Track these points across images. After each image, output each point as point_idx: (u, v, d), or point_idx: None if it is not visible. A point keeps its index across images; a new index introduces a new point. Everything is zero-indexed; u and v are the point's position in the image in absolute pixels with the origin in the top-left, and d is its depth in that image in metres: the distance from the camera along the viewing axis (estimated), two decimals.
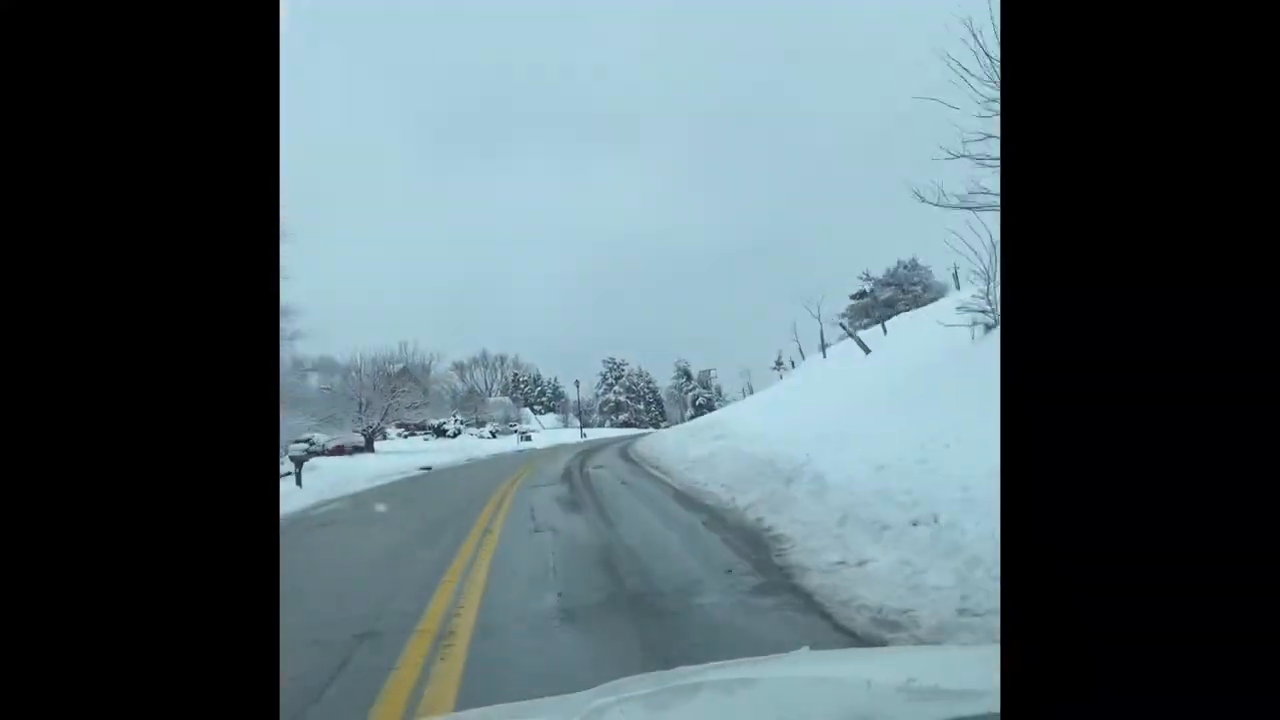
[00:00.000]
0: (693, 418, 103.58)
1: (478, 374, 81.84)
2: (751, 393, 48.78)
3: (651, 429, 70.42)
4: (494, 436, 46.81)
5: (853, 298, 68.19)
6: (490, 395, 74.52)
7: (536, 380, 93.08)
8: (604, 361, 75.31)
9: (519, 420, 66.62)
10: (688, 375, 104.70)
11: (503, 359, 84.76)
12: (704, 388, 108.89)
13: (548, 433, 57.38)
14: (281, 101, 1.06)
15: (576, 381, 54.29)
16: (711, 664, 1.68)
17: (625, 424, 72.27)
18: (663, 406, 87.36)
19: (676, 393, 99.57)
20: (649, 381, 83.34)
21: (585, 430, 55.59)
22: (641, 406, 76.10)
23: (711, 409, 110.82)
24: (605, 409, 74.63)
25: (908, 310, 63.41)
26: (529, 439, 45.23)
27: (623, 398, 73.28)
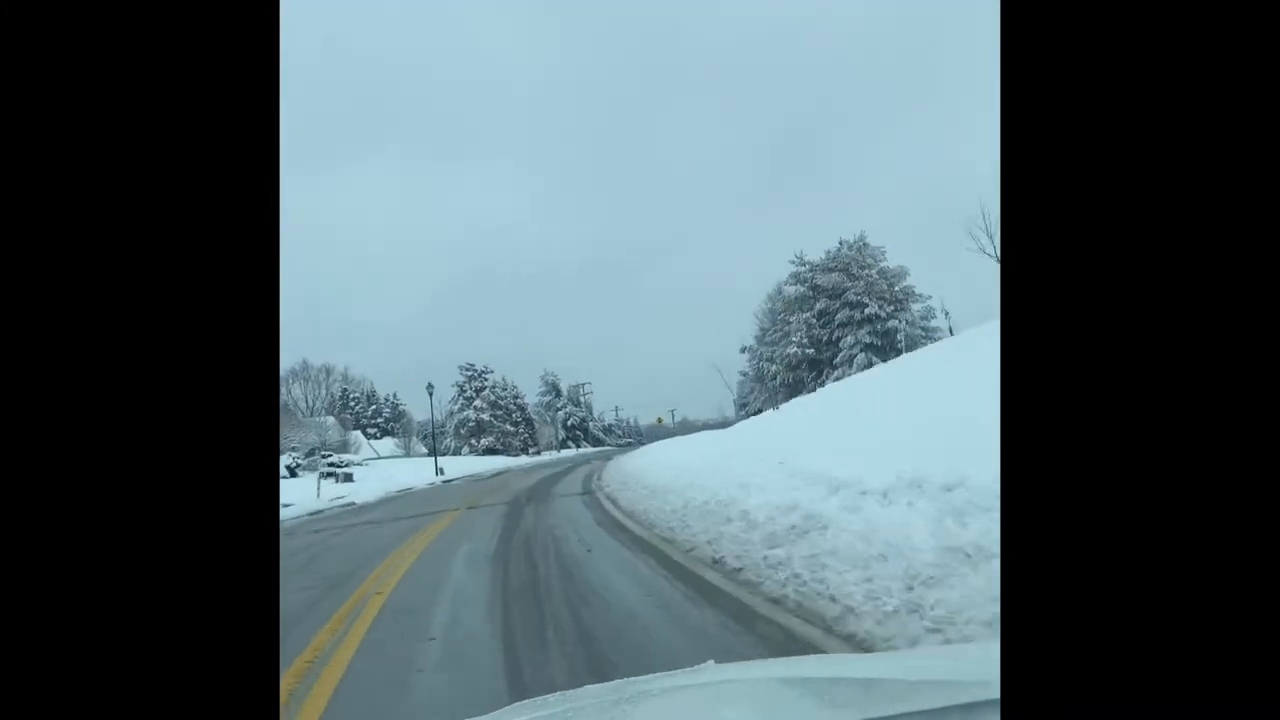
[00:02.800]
0: (566, 441, 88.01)
1: (296, 389, 62.90)
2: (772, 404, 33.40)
3: (526, 456, 54.15)
4: (292, 474, 29.17)
5: (788, 283, 54.44)
6: (309, 415, 55.84)
7: (371, 397, 74.45)
8: (461, 369, 57.51)
9: (347, 446, 48.77)
10: (557, 390, 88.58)
11: (328, 370, 66.04)
12: (575, 405, 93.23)
13: (383, 467, 39.55)
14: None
15: (429, 386, 35.94)
16: (617, 681, 1.72)
17: (491, 450, 55.05)
18: (533, 427, 70.72)
19: (544, 411, 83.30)
20: (517, 396, 66.50)
21: (441, 463, 38.06)
22: (510, 427, 58.98)
23: (585, 430, 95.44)
24: (463, 430, 56.91)
25: (858, 298, 49.85)
26: (348, 479, 27.94)
27: (486, 415, 55.94)
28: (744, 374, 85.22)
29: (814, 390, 48.70)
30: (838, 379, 47.85)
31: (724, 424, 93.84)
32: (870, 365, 47.61)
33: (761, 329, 66.19)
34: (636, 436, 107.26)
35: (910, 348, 47.21)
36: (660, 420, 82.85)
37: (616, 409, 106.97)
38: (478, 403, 55.51)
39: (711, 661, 1.80)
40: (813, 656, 3.02)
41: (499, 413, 57.78)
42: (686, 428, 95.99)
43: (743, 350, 62.98)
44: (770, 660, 2.27)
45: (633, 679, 1.72)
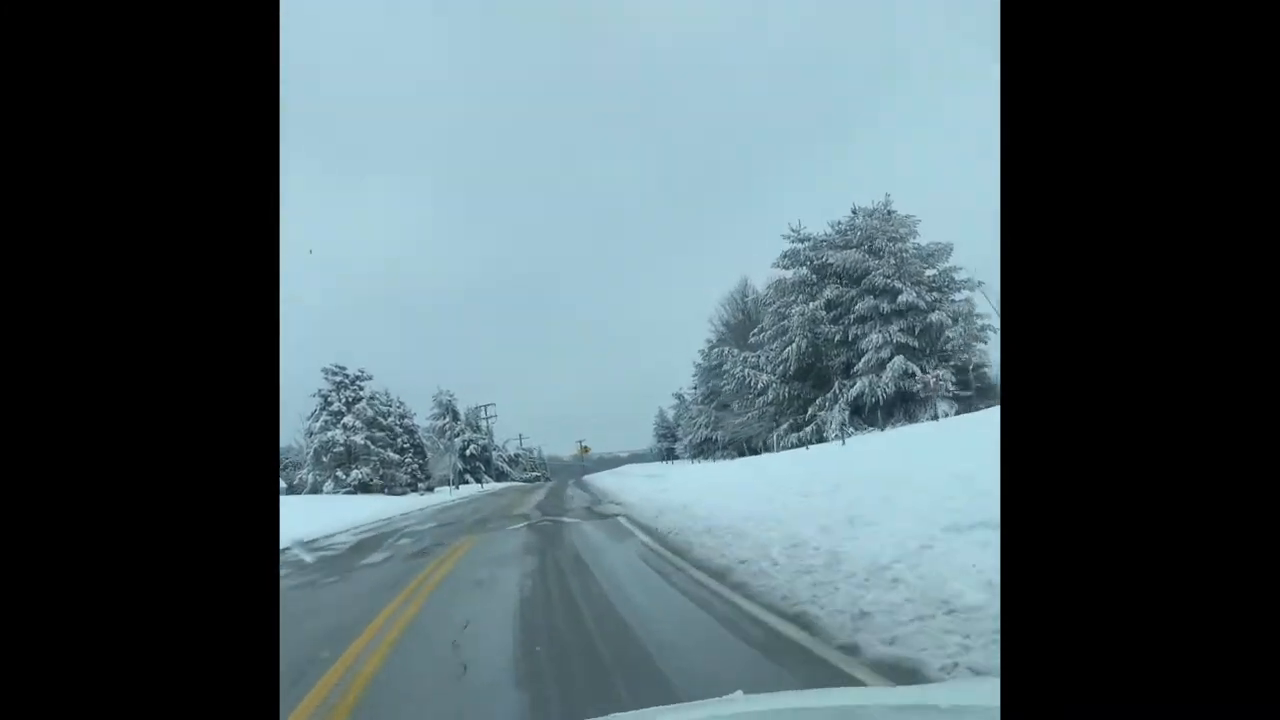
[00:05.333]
0: (464, 474, 71.72)
1: None
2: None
3: (415, 494, 37.53)
4: None
5: (780, 264, 40.88)
6: None
7: None
8: (327, 373, 41.13)
9: None
10: (454, 413, 72.83)
11: None
12: (475, 430, 77.54)
13: None
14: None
15: None
16: (649, 709, 1.69)
17: (365, 486, 39.14)
18: (424, 456, 54.88)
19: (437, 437, 67.47)
20: (404, 416, 50.68)
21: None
22: (394, 455, 43.05)
23: (487, 460, 79.59)
24: (326, 458, 40.66)
25: (886, 281, 36.11)
26: None
27: (360, 437, 39.99)
28: (679, 398, 71.88)
29: (820, 413, 36.09)
30: (858, 393, 35.01)
31: (643, 457, 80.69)
32: (910, 374, 34.93)
33: (717, 336, 52.81)
34: (543, 469, 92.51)
35: (963, 350, 34.98)
36: (586, 450, 68.56)
37: (521, 437, 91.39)
38: (348, 419, 39.64)
39: (740, 692, 1.80)
40: (841, 689, 3.08)
41: (379, 434, 41.95)
42: (599, 462, 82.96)
43: (710, 348, 49.28)
44: (799, 692, 2.21)
45: (661, 708, 1.73)
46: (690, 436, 57.75)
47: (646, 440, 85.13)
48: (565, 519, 14.15)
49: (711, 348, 53.01)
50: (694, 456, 54.85)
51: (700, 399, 56.66)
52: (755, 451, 41.37)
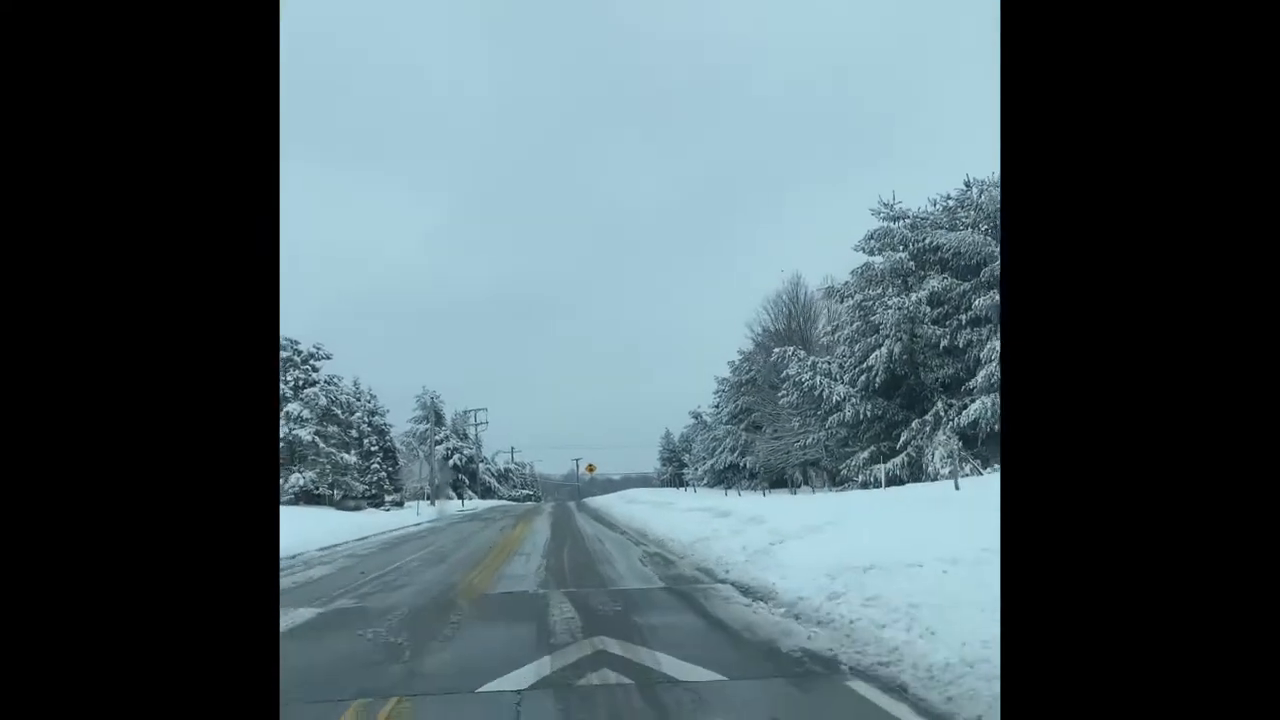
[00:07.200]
0: (453, 487, 62.12)
1: None
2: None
3: (381, 511, 28.03)
4: None
5: (864, 247, 32.19)
6: None
7: None
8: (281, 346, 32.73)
9: None
10: (438, 416, 63.84)
11: None
12: (461, 438, 68.60)
13: None
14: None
15: None
16: None
17: (311, 495, 30.07)
18: (396, 462, 45.83)
19: (416, 443, 58.52)
20: (376, 410, 41.69)
21: None
22: (350, 458, 33.95)
23: (473, 474, 70.35)
24: None
25: None
26: None
27: (308, 431, 31.04)
28: (697, 417, 62.99)
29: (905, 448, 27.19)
30: (974, 418, 26.48)
31: (638, 481, 71.99)
32: None
33: (755, 344, 44.29)
34: (535, 488, 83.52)
35: None
36: (591, 468, 59.78)
37: (512, 450, 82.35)
38: (294, 407, 30.70)
39: None
40: None
41: (336, 429, 32.94)
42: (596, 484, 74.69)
43: (742, 359, 40.69)
44: None
45: None
46: (711, 461, 48.76)
47: (644, 464, 76.81)
48: (683, 681, 5.09)
49: (744, 359, 44.53)
50: (713, 484, 46.02)
51: (726, 418, 47.79)
52: (794, 484, 32.85)
